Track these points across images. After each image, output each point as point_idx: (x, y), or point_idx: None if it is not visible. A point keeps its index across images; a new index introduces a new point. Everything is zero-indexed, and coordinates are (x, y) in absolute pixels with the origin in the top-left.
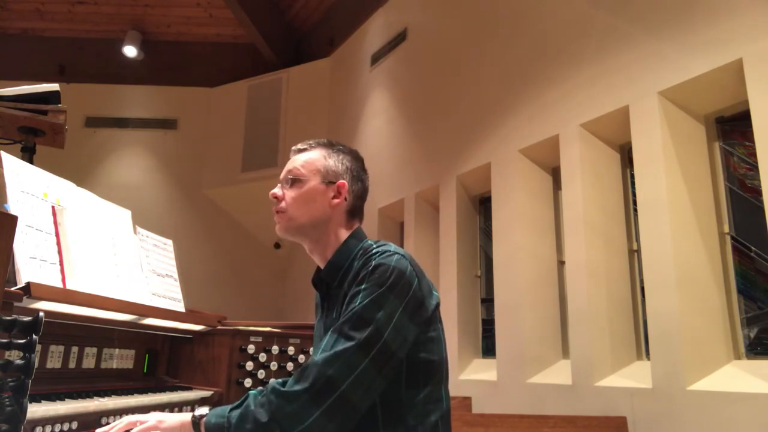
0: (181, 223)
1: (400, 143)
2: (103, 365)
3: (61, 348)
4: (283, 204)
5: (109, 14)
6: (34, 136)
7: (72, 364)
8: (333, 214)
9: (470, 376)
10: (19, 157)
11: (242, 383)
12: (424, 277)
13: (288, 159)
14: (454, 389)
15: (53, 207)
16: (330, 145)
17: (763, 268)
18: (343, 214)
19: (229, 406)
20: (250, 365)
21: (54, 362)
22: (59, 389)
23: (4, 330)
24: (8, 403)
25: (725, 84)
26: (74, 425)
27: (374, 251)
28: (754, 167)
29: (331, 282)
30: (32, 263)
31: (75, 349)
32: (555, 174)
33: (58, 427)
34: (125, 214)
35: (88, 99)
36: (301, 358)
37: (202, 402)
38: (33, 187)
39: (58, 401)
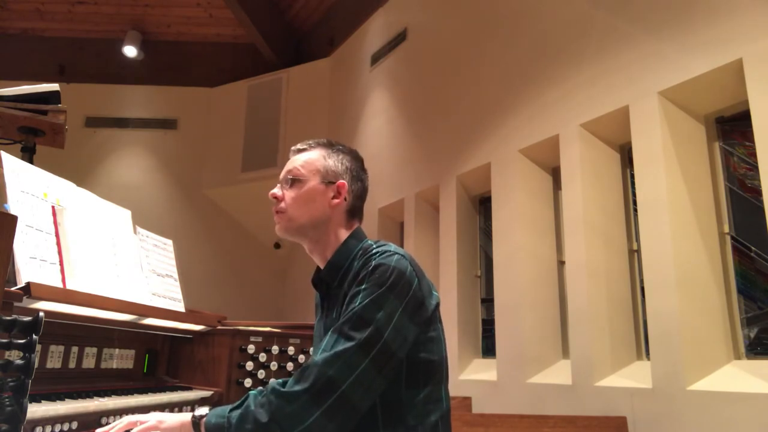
0: (181, 223)
1: (400, 143)
2: (103, 365)
3: (61, 348)
4: (282, 204)
5: (109, 14)
6: (34, 136)
7: (72, 364)
8: (333, 214)
9: (470, 376)
10: (19, 157)
11: (242, 383)
12: (424, 277)
13: (288, 159)
14: (454, 389)
15: (53, 207)
16: (329, 145)
17: (763, 268)
18: (342, 214)
19: (229, 407)
20: (250, 365)
21: (54, 362)
22: (59, 389)
23: (4, 330)
24: (8, 403)
25: (725, 84)
26: (74, 425)
27: (374, 251)
28: (754, 167)
29: (331, 282)
30: (32, 263)
31: (75, 349)
32: (555, 174)
33: (58, 427)
34: (125, 214)
35: (88, 99)
36: (301, 358)
37: (202, 402)
38: (33, 187)
39: (58, 401)
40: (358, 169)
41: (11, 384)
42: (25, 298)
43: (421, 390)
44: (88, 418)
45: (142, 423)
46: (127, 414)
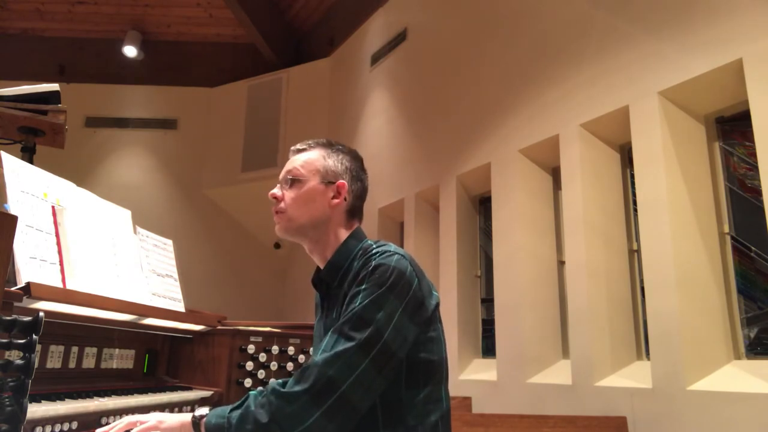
0: (181, 223)
1: (400, 143)
2: (103, 365)
3: (61, 348)
4: (282, 204)
5: (109, 14)
6: (34, 136)
7: (72, 364)
8: (332, 214)
9: (470, 376)
10: (19, 157)
11: (242, 383)
12: (424, 277)
13: (287, 159)
14: (454, 389)
15: (53, 207)
16: (329, 145)
17: (763, 268)
18: (342, 214)
19: (230, 407)
20: (250, 365)
21: (54, 362)
22: (59, 389)
23: (4, 330)
24: (8, 403)
25: (725, 84)
26: (74, 425)
27: (374, 251)
28: (754, 167)
29: (331, 282)
30: (32, 263)
31: (75, 349)
32: (555, 174)
33: (58, 427)
34: (125, 214)
35: (88, 99)
36: (301, 358)
37: (202, 402)
38: (33, 187)
39: (58, 401)
40: (357, 169)
41: (11, 384)
42: (25, 298)
43: (421, 390)
44: (88, 418)
45: (142, 423)
46: (127, 414)
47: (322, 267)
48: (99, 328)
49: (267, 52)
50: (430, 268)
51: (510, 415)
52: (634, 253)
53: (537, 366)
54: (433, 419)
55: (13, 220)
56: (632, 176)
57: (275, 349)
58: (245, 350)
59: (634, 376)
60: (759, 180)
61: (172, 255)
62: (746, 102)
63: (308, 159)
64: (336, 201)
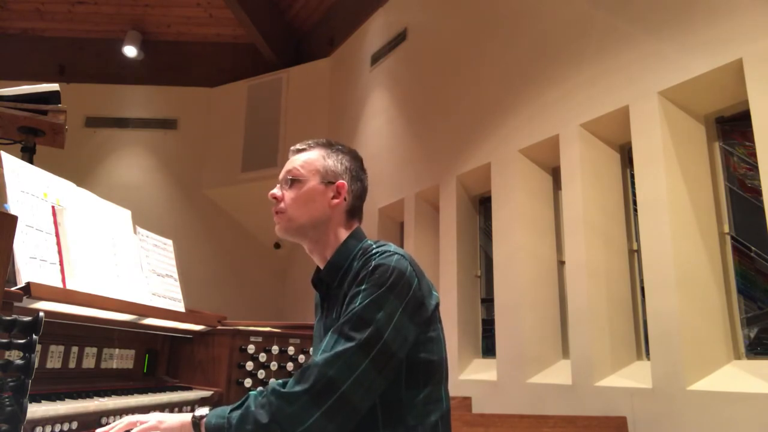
0: (181, 223)
1: (400, 143)
2: (103, 365)
3: (61, 348)
4: (282, 205)
5: (109, 14)
6: (34, 136)
7: (72, 364)
8: (332, 214)
9: (470, 376)
10: (19, 157)
11: (242, 383)
12: (423, 277)
13: (287, 159)
14: (454, 389)
15: (53, 207)
16: (329, 145)
17: (763, 268)
18: (342, 214)
19: (230, 407)
20: (250, 365)
21: (54, 362)
22: (59, 389)
23: (4, 330)
24: (8, 403)
25: (725, 84)
26: (74, 425)
27: (374, 251)
28: (754, 167)
29: (331, 282)
30: (32, 263)
31: (75, 349)
32: (555, 174)
33: (58, 427)
34: (125, 214)
35: (88, 99)
36: (301, 358)
37: (202, 402)
38: (33, 187)
39: (58, 401)
40: (357, 169)
41: (11, 384)
42: (25, 298)
43: (421, 390)
44: (88, 418)
45: (142, 423)
46: (127, 414)
47: (322, 267)
48: (99, 328)
49: (267, 52)
50: (430, 268)
51: (510, 415)
52: (634, 253)
53: (537, 366)
54: (433, 419)
55: (13, 220)
56: (632, 176)
57: (275, 349)
58: (245, 350)
59: (634, 376)
60: (759, 180)
61: (172, 255)
62: (746, 102)
63: (308, 159)
64: (336, 201)
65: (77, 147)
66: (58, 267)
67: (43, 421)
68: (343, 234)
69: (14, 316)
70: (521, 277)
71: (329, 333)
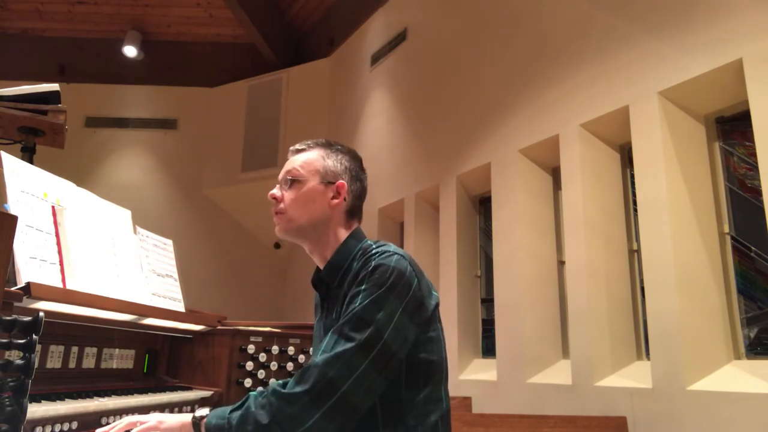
0: (181, 223)
1: (400, 143)
2: (103, 365)
3: (61, 348)
4: (282, 205)
5: (109, 14)
6: (34, 136)
7: (72, 364)
8: (332, 215)
9: (470, 376)
10: (19, 157)
11: (242, 383)
12: (423, 277)
13: (287, 159)
14: (454, 389)
15: (53, 207)
16: (328, 145)
17: (763, 268)
18: (342, 214)
19: (230, 408)
20: (250, 365)
21: (54, 362)
22: (59, 389)
23: (4, 330)
24: (8, 403)
25: (725, 84)
26: (74, 425)
27: (374, 252)
28: (754, 167)
29: (331, 282)
30: (32, 263)
31: (75, 349)
32: (555, 174)
33: (58, 427)
34: (125, 214)
35: (88, 99)
36: (301, 358)
37: (202, 402)
38: (33, 187)
39: (58, 401)
40: (357, 169)
41: (11, 384)
42: (25, 298)
43: (421, 390)
44: (88, 418)
45: (142, 423)
46: (127, 414)
47: (321, 267)
48: (99, 328)
49: (267, 52)
50: (430, 268)
51: (510, 415)
52: (634, 253)
53: (537, 366)
54: (433, 419)
55: (13, 220)
56: (632, 176)
57: (275, 349)
58: (245, 350)
59: (634, 376)
60: (759, 180)
61: (172, 255)
62: (746, 102)
63: (307, 159)
64: (336, 201)
65: (77, 147)
66: (58, 267)
67: (43, 421)
68: (343, 234)
69: (14, 316)
70: (521, 277)
71: (329, 333)
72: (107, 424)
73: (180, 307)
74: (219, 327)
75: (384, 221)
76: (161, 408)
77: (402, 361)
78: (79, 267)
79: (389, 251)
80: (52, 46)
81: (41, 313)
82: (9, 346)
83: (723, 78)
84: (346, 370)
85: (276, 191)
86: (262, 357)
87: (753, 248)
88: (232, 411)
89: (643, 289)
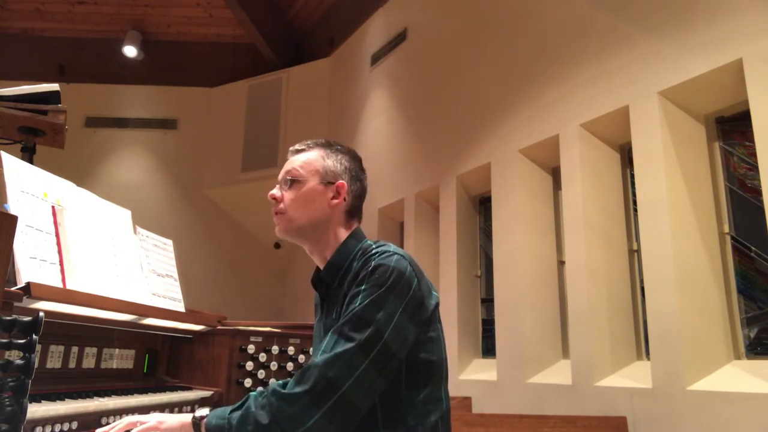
0: (181, 223)
1: (400, 143)
2: (103, 365)
3: (61, 348)
4: (282, 205)
5: (109, 14)
6: (34, 136)
7: (72, 364)
8: (332, 215)
9: (470, 376)
10: (19, 157)
11: (242, 383)
12: (423, 277)
13: (287, 159)
14: (454, 389)
15: (53, 207)
16: (328, 145)
17: (763, 268)
18: (342, 214)
19: (230, 408)
20: (250, 365)
21: (54, 362)
22: (59, 389)
23: (4, 330)
24: (8, 403)
25: (725, 84)
26: (74, 425)
27: (374, 252)
28: (754, 167)
29: (331, 282)
30: (32, 263)
31: (75, 349)
32: (555, 174)
33: (58, 427)
34: (125, 214)
35: (88, 99)
36: (301, 358)
37: (202, 402)
38: (33, 187)
39: (58, 401)
40: (356, 169)
41: (11, 384)
42: (25, 298)
43: (421, 390)
44: (88, 418)
45: (142, 423)
46: (127, 414)
47: (321, 267)
48: (99, 328)
49: (267, 52)
50: (430, 268)
51: (510, 415)
52: (634, 253)
53: (537, 366)
54: (433, 419)
55: (13, 220)
56: (632, 176)
57: (275, 349)
58: (245, 350)
59: (634, 376)
60: (759, 180)
61: (172, 255)
62: (746, 102)
63: (307, 159)
64: (335, 201)
65: (77, 147)
66: (58, 267)
67: (43, 421)
68: (343, 234)
69: (14, 316)
70: (521, 277)
71: (329, 333)
72: (107, 424)
73: (180, 307)
74: (219, 327)
75: (384, 221)
76: (161, 408)
77: (402, 361)
78: (79, 267)
79: (389, 251)
80: (52, 46)
81: (41, 313)
82: (9, 346)
83: (723, 78)
84: (346, 370)
85: (276, 191)
86: (262, 357)
87: (753, 248)
88: (232, 411)
89: (643, 289)
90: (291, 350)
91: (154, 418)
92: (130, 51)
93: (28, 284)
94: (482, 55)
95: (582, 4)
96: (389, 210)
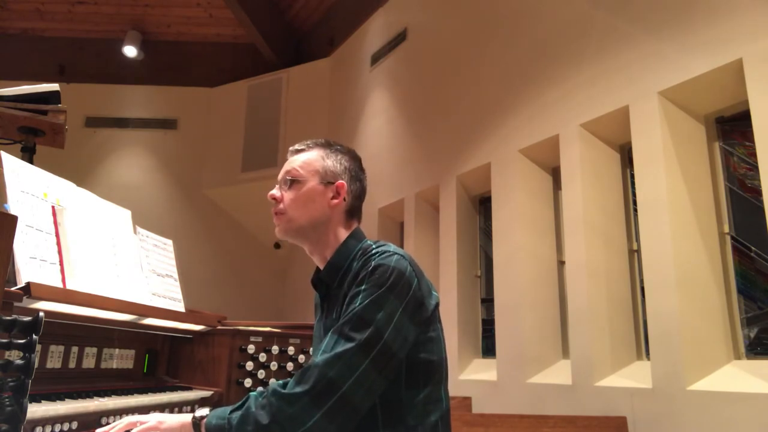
0: (181, 223)
1: (400, 143)
2: (103, 365)
3: (61, 348)
4: (281, 206)
5: (109, 14)
6: (34, 136)
7: (72, 364)
8: (332, 215)
9: (470, 376)
10: (19, 157)
11: (242, 383)
12: (423, 277)
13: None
14: (454, 389)
15: (53, 207)
16: (328, 145)
17: (763, 268)
18: (342, 214)
19: (230, 408)
20: (250, 365)
21: (54, 362)
22: (59, 389)
23: (4, 330)
24: (8, 403)
25: (725, 84)
26: (74, 425)
27: (374, 252)
28: (754, 167)
29: (331, 282)
30: (32, 263)
31: (75, 349)
32: (555, 174)
33: (58, 427)
34: (125, 214)
35: (88, 99)
36: (301, 358)
37: (202, 402)
38: (33, 187)
39: (58, 401)
40: (356, 169)
41: (11, 384)
42: (25, 298)
43: (421, 390)
44: (88, 418)
45: (142, 423)
46: (127, 414)
47: (321, 267)
48: (99, 328)
49: (267, 52)
50: (430, 268)
51: (510, 415)
52: (634, 253)
53: (537, 366)
54: (433, 419)
55: (13, 220)
56: (632, 176)
57: (275, 349)
58: (245, 350)
59: (634, 376)
60: (759, 180)
61: (172, 255)
62: (746, 102)
63: (307, 159)
64: (335, 201)
65: (77, 147)
66: (58, 267)
67: (43, 421)
68: (343, 234)
69: (14, 316)
70: (521, 277)
71: (329, 333)
72: (107, 424)
73: (180, 307)
74: (219, 327)
75: (384, 221)
76: (161, 408)
77: (402, 361)
78: (79, 267)
79: (389, 251)
80: (52, 46)
81: (41, 313)
82: (9, 346)
83: (723, 78)
84: (346, 370)
85: (275, 191)
86: (262, 357)
87: (753, 248)
88: (232, 411)
89: (643, 289)
90: (291, 350)
91: (154, 418)
92: (130, 51)
93: (28, 284)
94: (482, 55)
95: (582, 4)
96: (389, 210)
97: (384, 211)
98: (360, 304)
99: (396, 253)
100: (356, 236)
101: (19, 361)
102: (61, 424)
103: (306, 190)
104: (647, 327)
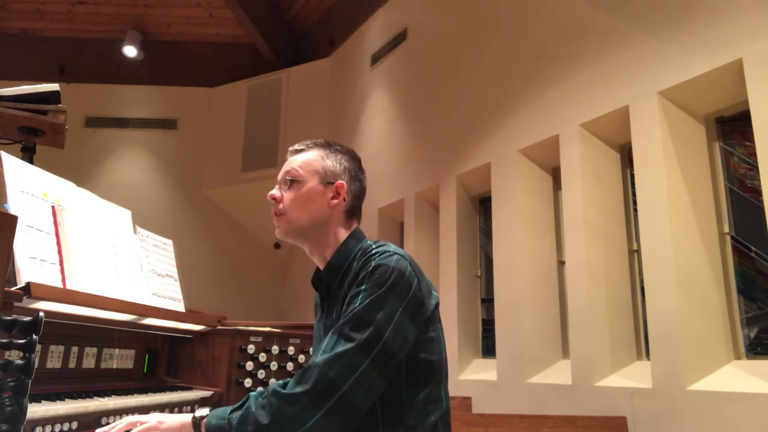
0: (181, 223)
1: (400, 143)
2: (103, 365)
3: (61, 348)
4: (281, 206)
5: (109, 14)
6: (34, 136)
7: (72, 364)
8: (332, 215)
9: (470, 376)
10: (19, 157)
11: (242, 383)
12: (423, 277)
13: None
14: (454, 389)
15: (53, 207)
16: (327, 145)
17: (763, 268)
18: (341, 214)
19: (230, 408)
20: (250, 365)
21: (54, 362)
22: (59, 389)
23: (4, 330)
24: (8, 403)
25: (725, 84)
26: (74, 425)
27: (374, 252)
28: (754, 167)
29: (331, 283)
30: (32, 263)
31: (75, 349)
32: (555, 174)
33: (58, 427)
34: (125, 214)
35: (88, 99)
36: (301, 358)
37: (202, 402)
38: (33, 187)
39: (58, 401)
40: (356, 169)
41: (11, 384)
42: (25, 298)
43: (421, 390)
44: (88, 418)
45: (142, 423)
46: (127, 414)
47: (321, 268)
48: (99, 328)
49: (267, 52)
50: (430, 268)
51: (510, 415)
52: (634, 253)
53: (537, 366)
54: (433, 419)
55: (13, 220)
56: (632, 176)
57: (275, 349)
58: (245, 350)
59: (634, 376)
60: (759, 180)
61: (172, 255)
62: (746, 102)
63: (307, 159)
64: (335, 201)
65: (77, 147)
66: (58, 267)
67: (43, 421)
68: (343, 234)
69: (14, 316)
70: (521, 277)
71: (329, 333)
72: (107, 424)
73: (180, 307)
74: (219, 327)
75: (384, 221)
76: (161, 408)
77: (402, 361)
78: (79, 267)
79: (389, 251)
80: (52, 46)
81: (41, 313)
82: (9, 346)
83: (723, 78)
84: (346, 370)
85: (275, 192)
86: (262, 357)
87: (753, 248)
88: (232, 411)
89: (643, 289)
90: (291, 350)
91: (154, 418)
92: (130, 51)
93: (28, 284)
94: (482, 55)
95: (582, 4)
96: (389, 210)
97: (384, 211)
98: (360, 304)
99: (396, 253)
100: (356, 236)
101: (19, 361)
102: (61, 424)
103: (306, 190)
104: (647, 327)
